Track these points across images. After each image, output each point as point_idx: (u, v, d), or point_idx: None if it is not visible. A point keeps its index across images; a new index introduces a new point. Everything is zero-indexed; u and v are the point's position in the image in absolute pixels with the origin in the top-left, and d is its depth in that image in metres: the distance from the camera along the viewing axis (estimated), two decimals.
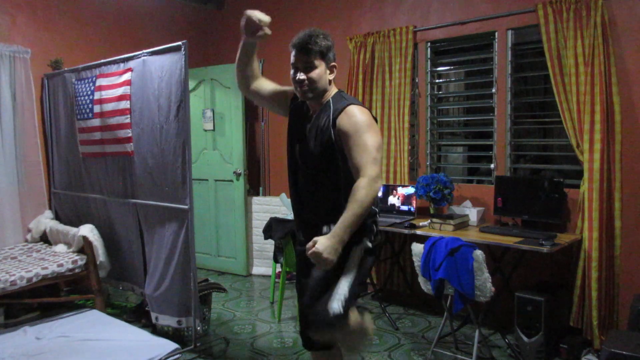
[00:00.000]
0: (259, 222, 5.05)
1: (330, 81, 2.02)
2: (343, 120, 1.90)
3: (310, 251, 1.76)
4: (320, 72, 1.95)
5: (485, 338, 3.39)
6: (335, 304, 1.82)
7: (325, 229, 1.98)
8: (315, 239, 1.78)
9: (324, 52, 1.96)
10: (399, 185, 4.07)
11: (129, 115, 3.55)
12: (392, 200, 4.08)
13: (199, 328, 3.23)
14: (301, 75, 1.94)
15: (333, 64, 2.01)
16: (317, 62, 1.94)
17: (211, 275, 5.12)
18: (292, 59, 1.98)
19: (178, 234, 3.27)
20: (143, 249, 3.67)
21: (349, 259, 1.93)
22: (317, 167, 2.00)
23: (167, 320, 3.35)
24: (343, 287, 1.87)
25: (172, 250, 3.32)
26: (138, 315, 3.81)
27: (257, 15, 2.07)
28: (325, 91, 2.00)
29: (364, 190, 1.79)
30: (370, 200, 1.81)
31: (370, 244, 2.02)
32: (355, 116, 1.88)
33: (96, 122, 3.81)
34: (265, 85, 2.22)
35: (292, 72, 1.98)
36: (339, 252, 1.78)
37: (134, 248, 3.75)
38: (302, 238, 2.13)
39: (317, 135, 1.96)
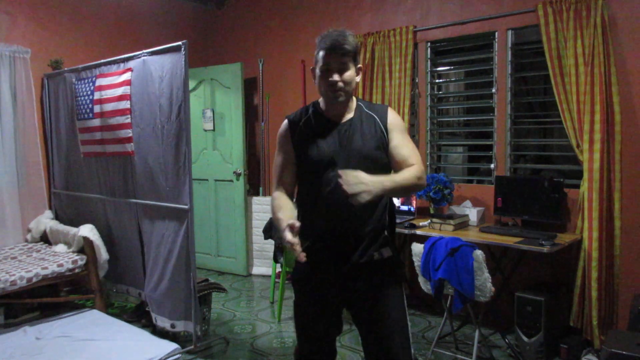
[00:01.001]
0: (259, 222, 5.05)
1: (356, 84, 1.94)
2: (392, 120, 1.92)
3: (351, 175, 1.62)
4: (353, 73, 1.88)
5: (485, 338, 3.39)
6: (412, 349, 1.94)
7: (376, 255, 1.88)
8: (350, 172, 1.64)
9: (356, 53, 1.89)
10: None
11: (129, 115, 3.55)
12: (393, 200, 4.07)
13: (198, 333, 3.23)
14: (336, 77, 1.83)
15: (360, 66, 1.93)
16: (350, 64, 1.86)
17: (211, 275, 5.12)
18: (322, 59, 1.84)
19: (178, 234, 3.27)
20: (142, 250, 3.68)
21: (403, 301, 1.95)
22: (372, 163, 1.85)
23: (164, 323, 3.35)
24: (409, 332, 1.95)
25: (172, 250, 3.32)
26: (138, 315, 3.81)
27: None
28: (352, 94, 1.92)
29: (417, 173, 1.79)
30: (414, 187, 1.81)
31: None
32: (399, 118, 1.96)
33: (96, 122, 3.81)
34: (289, 181, 2.03)
35: (321, 73, 1.85)
36: (376, 196, 1.64)
37: (133, 249, 3.75)
38: (342, 252, 1.89)
39: (368, 132, 1.89)
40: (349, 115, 1.92)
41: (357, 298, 1.92)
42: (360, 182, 1.60)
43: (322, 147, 1.89)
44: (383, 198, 1.88)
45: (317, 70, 1.87)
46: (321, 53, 1.85)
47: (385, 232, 1.92)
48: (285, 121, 2.01)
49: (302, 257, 1.65)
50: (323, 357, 2.06)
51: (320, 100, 1.97)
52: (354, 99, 1.96)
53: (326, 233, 1.88)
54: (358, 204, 1.60)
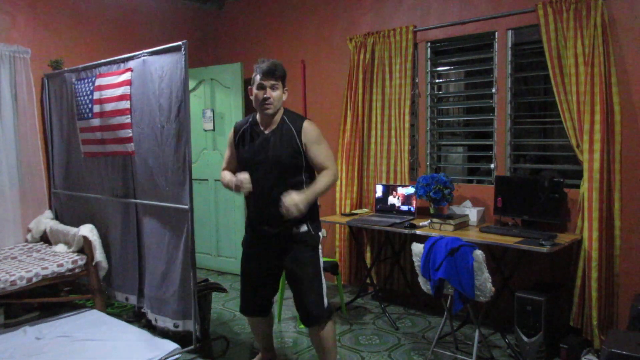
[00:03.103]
0: None
1: (283, 102, 2.58)
2: (306, 133, 2.52)
3: (288, 198, 2.35)
4: (280, 93, 2.53)
5: (485, 338, 3.40)
6: (326, 300, 2.66)
7: (294, 229, 2.59)
8: (288, 195, 2.38)
9: (284, 77, 2.54)
10: (399, 185, 4.08)
11: (129, 115, 3.55)
12: (392, 200, 4.08)
13: (198, 333, 3.23)
14: (268, 94, 2.48)
15: (286, 88, 2.58)
16: (278, 85, 2.51)
17: (211, 275, 5.12)
18: (258, 81, 2.50)
19: (178, 234, 3.27)
20: (139, 252, 3.67)
21: (318, 262, 2.64)
22: (285, 167, 2.51)
23: (165, 323, 3.35)
24: (324, 289, 2.65)
25: (172, 250, 3.32)
26: (138, 315, 3.81)
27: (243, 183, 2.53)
28: (279, 109, 2.57)
29: (332, 176, 2.52)
30: (332, 185, 2.54)
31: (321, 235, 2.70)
32: (313, 128, 2.56)
33: (96, 122, 3.82)
34: (232, 168, 2.79)
35: (257, 91, 2.51)
36: (304, 209, 2.39)
37: (130, 249, 3.75)
38: (265, 227, 2.64)
39: (284, 142, 2.51)
40: (273, 126, 2.57)
41: (283, 261, 2.63)
42: (294, 204, 2.34)
43: (249, 150, 2.60)
44: (297, 187, 2.52)
45: (254, 89, 2.53)
46: (258, 76, 2.50)
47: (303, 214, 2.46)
48: (233, 125, 2.76)
49: (249, 187, 2.49)
50: (257, 308, 2.83)
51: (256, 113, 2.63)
52: (281, 113, 2.58)
53: (258, 212, 2.64)
54: (290, 216, 2.39)
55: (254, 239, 2.75)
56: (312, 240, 2.62)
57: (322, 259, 2.68)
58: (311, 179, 2.58)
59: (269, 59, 2.53)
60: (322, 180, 2.49)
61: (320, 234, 2.68)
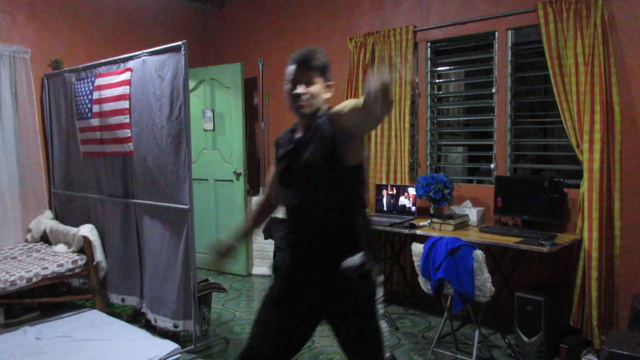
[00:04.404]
0: None
1: (326, 100, 1.93)
2: (335, 108, 1.84)
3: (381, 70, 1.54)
4: (319, 88, 1.89)
5: (485, 338, 3.39)
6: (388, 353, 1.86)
7: (349, 261, 1.79)
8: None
9: (325, 69, 1.92)
10: (400, 185, 4.08)
11: (128, 115, 3.55)
12: (392, 200, 4.08)
13: (198, 333, 3.23)
14: (301, 89, 1.85)
15: (331, 82, 1.95)
16: (316, 79, 1.89)
17: (211, 275, 5.12)
18: (290, 73, 1.90)
19: (178, 234, 3.27)
20: (139, 252, 3.67)
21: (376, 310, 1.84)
22: (318, 175, 1.81)
23: (165, 323, 3.35)
24: (383, 342, 1.85)
25: (172, 250, 3.32)
26: (138, 315, 3.81)
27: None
28: (319, 109, 1.90)
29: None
30: (383, 100, 1.55)
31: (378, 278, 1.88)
32: (341, 104, 1.82)
33: (95, 121, 3.82)
34: (270, 185, 2.15)
35: (288, 86, 1.89)
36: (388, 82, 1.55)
37: (130, 249, 3.74)
38: (298, 263, 1.92)
39: (318, 142, 1.82)
40: (308, 128, 1.89)
41: (326, 310, 1.87)
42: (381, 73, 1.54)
43: (282, 162, 1.95)
44: (342, 210, 1.83)
45: (285, 84, 1.90)
46: (290, 67, 1.90)
47: (352, 238, 1.81)
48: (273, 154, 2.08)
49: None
50: None
51: None
52: (323, 112, 1.90)
53: (291, 242, 1.95)
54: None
55: (283, 280, 2.00)
56: (368, 278, 1.82)
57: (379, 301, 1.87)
58: (359, 203, 1.88)
59: (307, 47, 1.96)
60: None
61: (377, 267, 1.87)
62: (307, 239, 1.87)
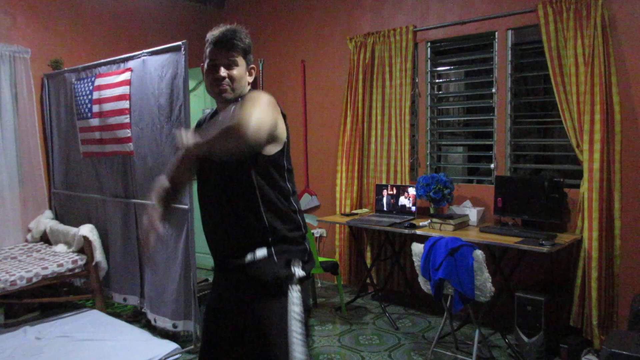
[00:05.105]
0: None
1: (248, 83, 1.76)
2: (244, 100, 1.63)
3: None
4: (242, 71, 1.71)
5: (485, 338, 3.39)
6: None
7: (249, 255, 1.61)
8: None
9: (247, 50, 1.73)
10: (400, 185, 4.08)
11: (128, 115, 3.55)
12: (392, 200, 4.08)
13: (198, 333, 3.23)
14: (223, 72, 1.66)
15: (252, 65, 1.77)
16: (239, 61, 1.69)
17: (211, 275, 5.11)
18: (209, 54, 1.69)
19: (178, 234, 3.27)
20: (139, 252, 3.67)
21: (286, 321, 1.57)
22: (224, 175, 1.63)
23: (164, 323, 3.34)
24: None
25: (172, 250, 3.32)
26: (138, 315, 3.81)
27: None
28: (242, 94, 1.73)
29: (226, 128, 1.40)
30: (224, 143, 1.42)
31: (302, 272, 1.64)
32: (255, 94, 1.60)
33: (95, 121, 3.81)
34: None
35: (207, 68, 1.69)
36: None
37: (130, 249, 3.74)
38: (217, 260, 1.75)
39: None
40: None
41: (232, 312, 1.65)
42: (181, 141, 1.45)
43: (201, 165, 1.74)
44: (248, 212, 1.63)
45: (205, 66, 1.71)
46: (209, 48, 1.70)
47: (267, 232, 1.63)
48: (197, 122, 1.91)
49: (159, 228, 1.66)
50: None
51: None
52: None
53: (207, 233, 1.77)
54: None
55: (214, 280, 1.85)
56: (272, 277, 1.60)
57: (296, 316, 1.57)
58: (280, 192, 1.67)
59: (228, 25, 1.72)
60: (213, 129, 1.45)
61: (296, 268, 1.63)
62: (219, 231, 1.70)
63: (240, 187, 1.62)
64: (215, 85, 1.68)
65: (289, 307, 1.58)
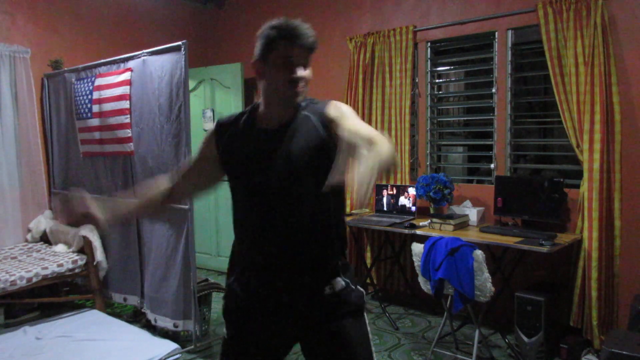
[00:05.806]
0: None
1: None
2: (331, 111, 1.50)
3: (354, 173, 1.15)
4: (310, 72, 1.55)
5: (485, 338, 3.39)
6: None
7: (327, 289, 1.54)
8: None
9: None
10: (400, 185, 4.07)
11: (128, 115, 3.55)
12: (392, 200, 4.08)
13: (198, 333, 3.23)
14: (302, 72, 1.49)
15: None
16: (310, 61, 1.55)
17: (211, 275, 5.11)
18: (284, 50, 1.49)
19: (178, 233, 3.27)
20: (140, 252, 3.67)
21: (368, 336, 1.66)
22: (303, 171, 1.47)
23: (165, 323, 3.35)
24: None
25: (172, 250, 3.32)
26: (138, 315, 3.81)
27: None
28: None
29: (385, 145, 1.26)
30: (392, 159, 1.24)
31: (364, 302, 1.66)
32: (344, 106, 1.53)
33: (95, 121, 3.81)
34: (183, 176, 1.76)
35: (279, 65, 1.48)
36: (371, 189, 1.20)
37: (131, 249, 3.74)
38: (271, 287, 1.55)
39: (302, 133, 1.49)
40: (286, 119, 1.53)
41: (307, 333, 1.57)
42: (364, 185, 1.14)
43: (247, 157, 1.56)
44: (328, 216, 1.53)
45: (272, 63, 1.49)
46: (282, 42, 1.49)
47: (335, 259, 1.56)
48: (216, 123, 1.67)
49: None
50: None
51: (261, 102, 1.59)
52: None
53: (259, 262, 1.56)
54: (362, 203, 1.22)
55: (248, 308, 1.59)
56: (355, 301, 1.61)
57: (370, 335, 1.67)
58: (338, 207, 1.59)
59: (299, 21, 1.56)
60: (378, 148, 1.24)
61: (359, 287, 1.65)
62: (279, 257, 1.52)
63: (318, 213, 1.51)
64: (293, 86, 1.49)
65: (368, 327, 1.67)
